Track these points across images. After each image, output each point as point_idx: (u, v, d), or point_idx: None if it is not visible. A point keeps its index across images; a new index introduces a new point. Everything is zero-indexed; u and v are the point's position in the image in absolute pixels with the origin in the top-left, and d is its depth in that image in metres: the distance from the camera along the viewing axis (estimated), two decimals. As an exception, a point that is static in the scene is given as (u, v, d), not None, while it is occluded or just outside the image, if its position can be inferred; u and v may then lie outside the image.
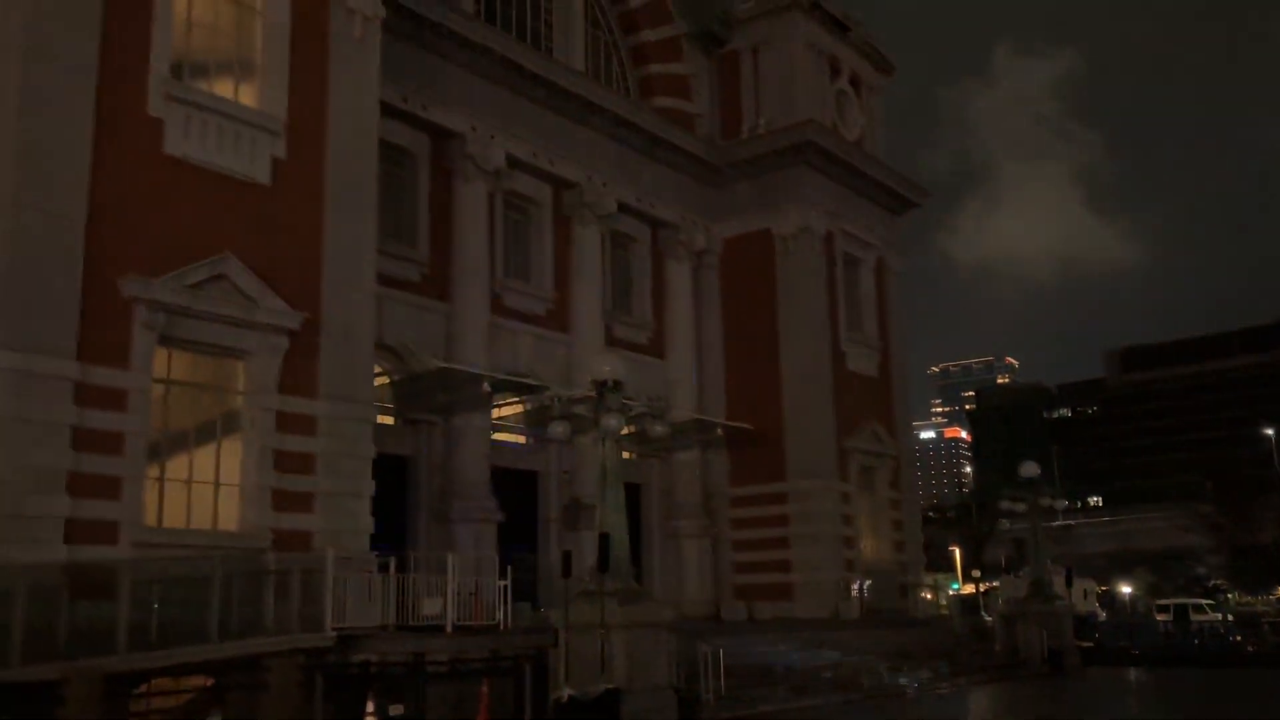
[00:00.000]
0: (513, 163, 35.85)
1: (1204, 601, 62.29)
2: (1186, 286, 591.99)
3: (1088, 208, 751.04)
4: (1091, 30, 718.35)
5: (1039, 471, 37.66)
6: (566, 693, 18.62)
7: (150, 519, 21.65)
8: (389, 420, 31.18)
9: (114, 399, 21.13)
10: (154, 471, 22.00)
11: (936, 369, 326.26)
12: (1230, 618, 52.72)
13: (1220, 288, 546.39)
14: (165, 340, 22.23)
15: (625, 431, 24.50)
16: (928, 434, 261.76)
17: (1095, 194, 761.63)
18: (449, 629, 21.46)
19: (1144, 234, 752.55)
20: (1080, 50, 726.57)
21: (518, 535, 35.69)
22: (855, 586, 40.16)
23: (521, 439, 36.28)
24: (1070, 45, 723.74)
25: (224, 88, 24.63)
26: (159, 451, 22.24)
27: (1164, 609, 57.93)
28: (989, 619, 36.77)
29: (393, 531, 31.38)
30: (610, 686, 18.66)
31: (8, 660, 16.94)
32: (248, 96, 24.90)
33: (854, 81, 47.82)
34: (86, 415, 20.63)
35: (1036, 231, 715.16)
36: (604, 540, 20.24)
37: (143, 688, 18.55)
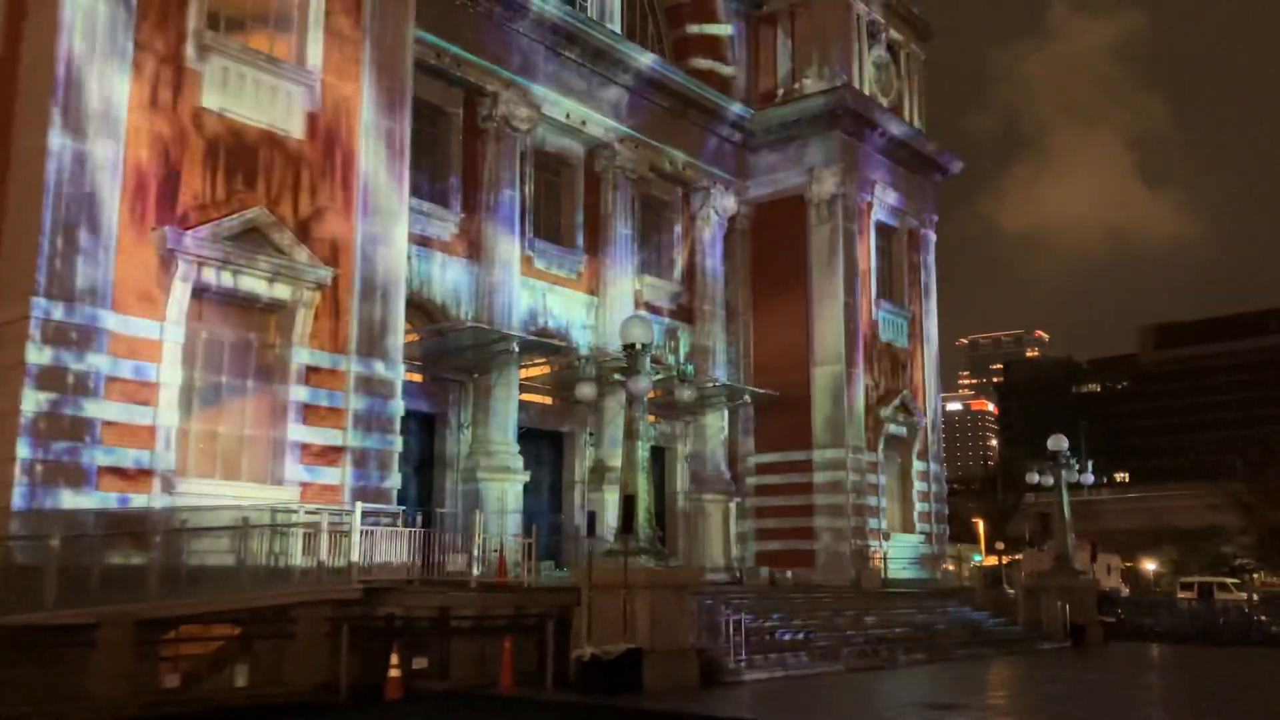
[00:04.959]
0: (545, 122, 35.78)
1: (1229, 580, 61.93)
2: (1240, 264, 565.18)
3: (1142, 178, 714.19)
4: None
5: (1067, 445, 37.40)
6: (589, 651, 18.76)
7: (182, 469, 21.96)
8: (418, 378, 31.35)
9: (148, 349, 21.40)
10: (186, 422, 22.27)
11: (965, 341, 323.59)
12: (1255, 597, 52.37)
13: (1278, 265, 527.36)
14: (198, 292, 22.45)
15: (652, 395, 24.50)
16: (955, 406, 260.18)
17: (1151, 163, 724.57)
18: (474, 585, 21.65)
19: (1200, 207, 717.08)
20: (1143, 8, 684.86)
21: (544, 495, 35.96)
22: (878, 556, 40.23)
23: (550, 400, 36.39)
24: (1132, 2, 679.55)
25: (260, 41, 24.65)
26: (191, 402, 22.49)
27: (1188, 587, 57.71)
28: (1012, 591, 36.68)
29: (420, 488, 31.75)
30: (632, 646, 18.78)
31: (42, 603, 17.28)
32: (283, 50, 24.92)
33: (892, 47, 47.23)
34: (121, 365, 20.93)
35: (1085, 200, 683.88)
36: (629, 502, 20.33)
37: (172, 634, 18.85)
